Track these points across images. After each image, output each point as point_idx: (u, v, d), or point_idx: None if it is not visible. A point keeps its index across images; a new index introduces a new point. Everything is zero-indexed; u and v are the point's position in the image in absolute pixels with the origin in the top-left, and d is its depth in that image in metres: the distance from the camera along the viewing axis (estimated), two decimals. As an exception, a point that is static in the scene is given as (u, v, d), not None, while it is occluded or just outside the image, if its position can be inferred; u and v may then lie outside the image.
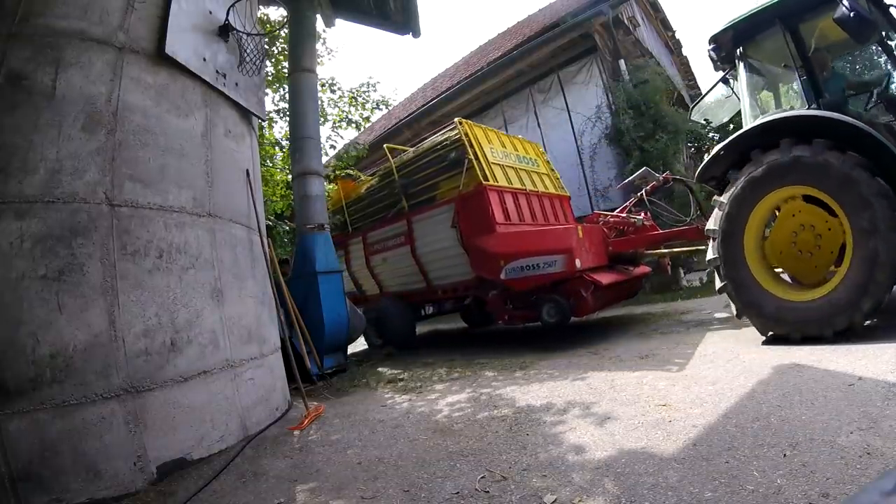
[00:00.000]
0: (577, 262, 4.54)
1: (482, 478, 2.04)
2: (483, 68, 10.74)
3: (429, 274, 6.05)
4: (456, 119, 5.75)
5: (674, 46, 14.14)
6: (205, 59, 3.18)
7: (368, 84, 10.40)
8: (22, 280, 2.23)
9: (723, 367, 3.14)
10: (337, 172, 8.24)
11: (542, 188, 6.25)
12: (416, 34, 6.51)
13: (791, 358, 3.03)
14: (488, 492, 1.91)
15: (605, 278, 4.90)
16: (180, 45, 2.97)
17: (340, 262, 6.99)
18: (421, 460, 2.35)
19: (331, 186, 7.58)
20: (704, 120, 5.79)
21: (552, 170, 6.91)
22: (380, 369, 5.15)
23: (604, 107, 9.29)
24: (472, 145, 5.41)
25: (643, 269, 6.06)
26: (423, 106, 12.20)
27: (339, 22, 6.69)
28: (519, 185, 5.78)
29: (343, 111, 10.29)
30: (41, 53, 2.47)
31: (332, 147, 11.16)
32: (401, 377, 4.40)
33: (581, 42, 9.42)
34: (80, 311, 2.34)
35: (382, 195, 6.70)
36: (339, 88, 10.12)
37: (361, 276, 7.15)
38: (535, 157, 6.68)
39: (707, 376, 2.98)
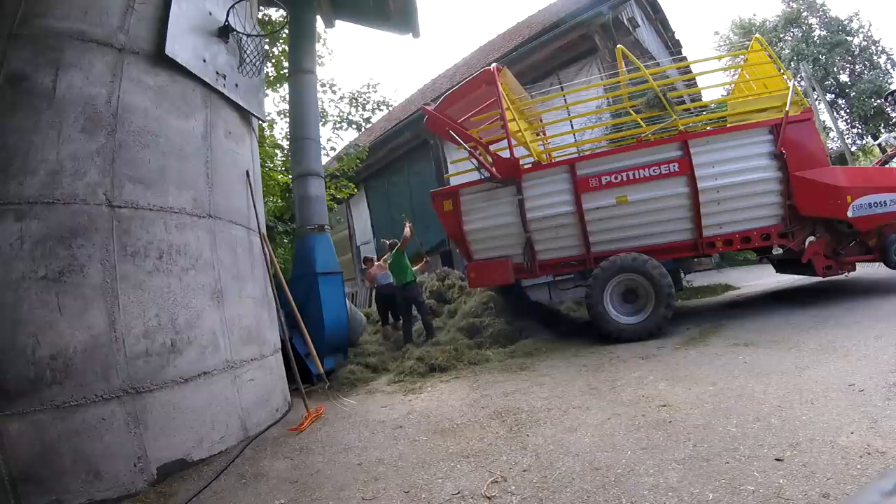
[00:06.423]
0: None
1: (483, 478, 2.04)
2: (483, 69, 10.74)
3: (707, 217, 4.85)
4: (755, 36, 5.50)
5: (674, 47, 14.14)
6: (205, 61, 3.18)
7: (369, 85, 10.48)
8: (22, 281, 2.23)
9: (723, 367, 3.14)
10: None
11: None
12: (416, 34, 6.53)
13: (791, 358, 3.04)
14: (489, 493, 1.91)
15: None
16: (180, 46, 2.98)
17: (505, 210, 5.29)
18: (421, 461, 2.35)
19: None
20: None
21: None
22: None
23: (604, 107, 9.28)
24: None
25: None
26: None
27: (339, 23, 6.72)
28: None
29: (343, 112, 10.35)
30: (41, 54, 2.47)
31: (333, 149, 11.22)
32: (401, 378, 4.40)
33: (581, 43, 9.43)
34: (81, 313, 2.34)
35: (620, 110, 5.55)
36: (339, 89, 10.17)
37: (547, 227, 5.19)
38: None
39: (707, 376, 2.98)
